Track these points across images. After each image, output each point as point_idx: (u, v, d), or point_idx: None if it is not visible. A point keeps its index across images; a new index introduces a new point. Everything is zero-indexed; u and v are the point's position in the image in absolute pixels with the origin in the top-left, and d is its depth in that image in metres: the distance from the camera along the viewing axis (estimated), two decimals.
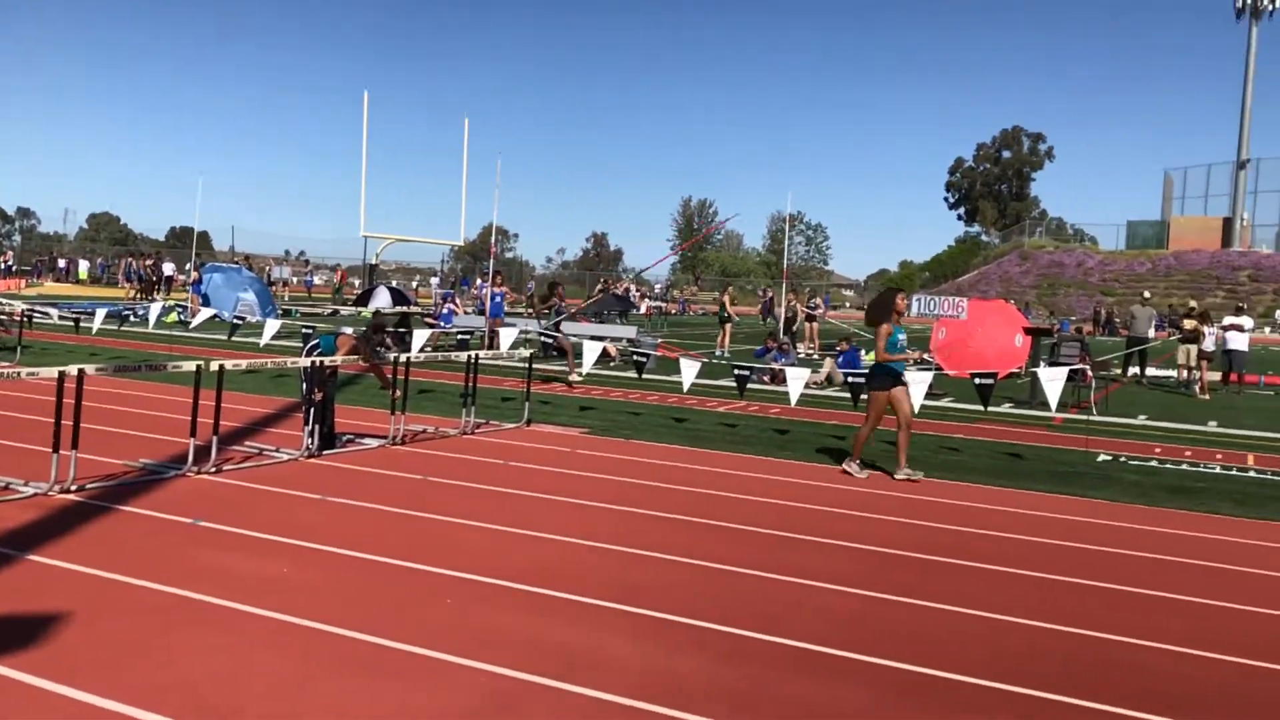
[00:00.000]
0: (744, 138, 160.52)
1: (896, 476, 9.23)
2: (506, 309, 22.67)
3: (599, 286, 41.65)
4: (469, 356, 11.09)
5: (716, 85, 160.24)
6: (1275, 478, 10.29)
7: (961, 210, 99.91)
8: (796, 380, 11.97)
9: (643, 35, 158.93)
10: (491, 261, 22.23)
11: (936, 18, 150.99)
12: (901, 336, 9.48)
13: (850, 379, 12.53)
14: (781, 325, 25.57)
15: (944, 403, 15.67)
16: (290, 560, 5.82)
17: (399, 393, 9.76)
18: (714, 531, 7.01)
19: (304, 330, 14.22)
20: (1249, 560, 6.88)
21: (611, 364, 19.89)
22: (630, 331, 23.05)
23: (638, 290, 45.16)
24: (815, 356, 24.21)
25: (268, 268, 52.42)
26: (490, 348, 18.21)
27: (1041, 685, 4.43)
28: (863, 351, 22.25)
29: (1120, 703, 4.27)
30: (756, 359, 19.80)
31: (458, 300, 33.05)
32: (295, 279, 58.14)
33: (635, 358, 13.86)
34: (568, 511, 7.40)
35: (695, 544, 6.60)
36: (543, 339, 17.85)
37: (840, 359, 18.93)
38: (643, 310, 40.81)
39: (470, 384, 10.84)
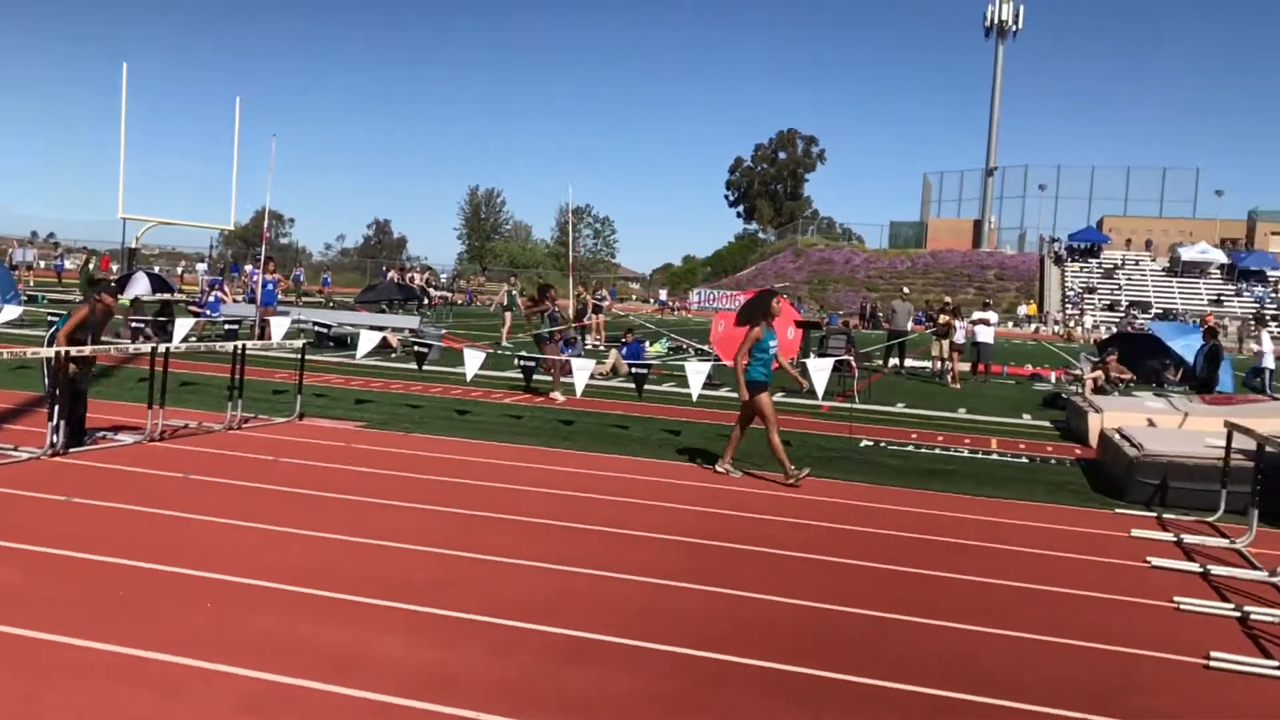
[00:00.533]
0: (532, 131, 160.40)
1: (717, 469, 9.33)
2: (281, 296, 21.68)
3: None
4: (235, 347, 10.50)
5: (505, 77, 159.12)
6: (1014, 459, 11.24)
7: (741, 208, 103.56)
8: (582, 371, 12.04)
9: (426, 21, 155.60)
10: (264, 247, 21.18)
11: (721, 19, 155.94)
12: (772, 342, 9.39)
13: (634, 369, 12.74)
14: (570, 317, 25.66)
15: (721, 392, 16.19)
16: (24, 568, 5.31)
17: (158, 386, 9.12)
18: (493, 524, 6.94)
19: (49, 318, 13.06)
20: (989, 536, 7.47)
21: (393, 355, 19.39)
22: (413, 321, 22.53)
23: (424, 279, 44.11)
24: (601, 348, 24.47)
25: (10, 250, 47.86)
26: (260, 338, 17.34)
27: (807, 661, 4.63)
28: (648, 344, 22.69)
29: (870, 674, 4.53)
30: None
31: (226, 288, 31.30)
32: (42, 263, 53.35)
33: (416, 349, 13.53)
34: (339, 508, 7.13)
35: (473, 537, 6.52)
36: (316, 328, 17.10)
37: (625, 350, 19.22)
38: (428, 300, 39.98)
39: (237, 376, 10.27)
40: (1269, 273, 61.17)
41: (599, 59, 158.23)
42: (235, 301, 26.18)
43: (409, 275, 43.89)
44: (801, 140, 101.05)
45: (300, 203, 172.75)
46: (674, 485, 8.67)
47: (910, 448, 11.65)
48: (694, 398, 12.03)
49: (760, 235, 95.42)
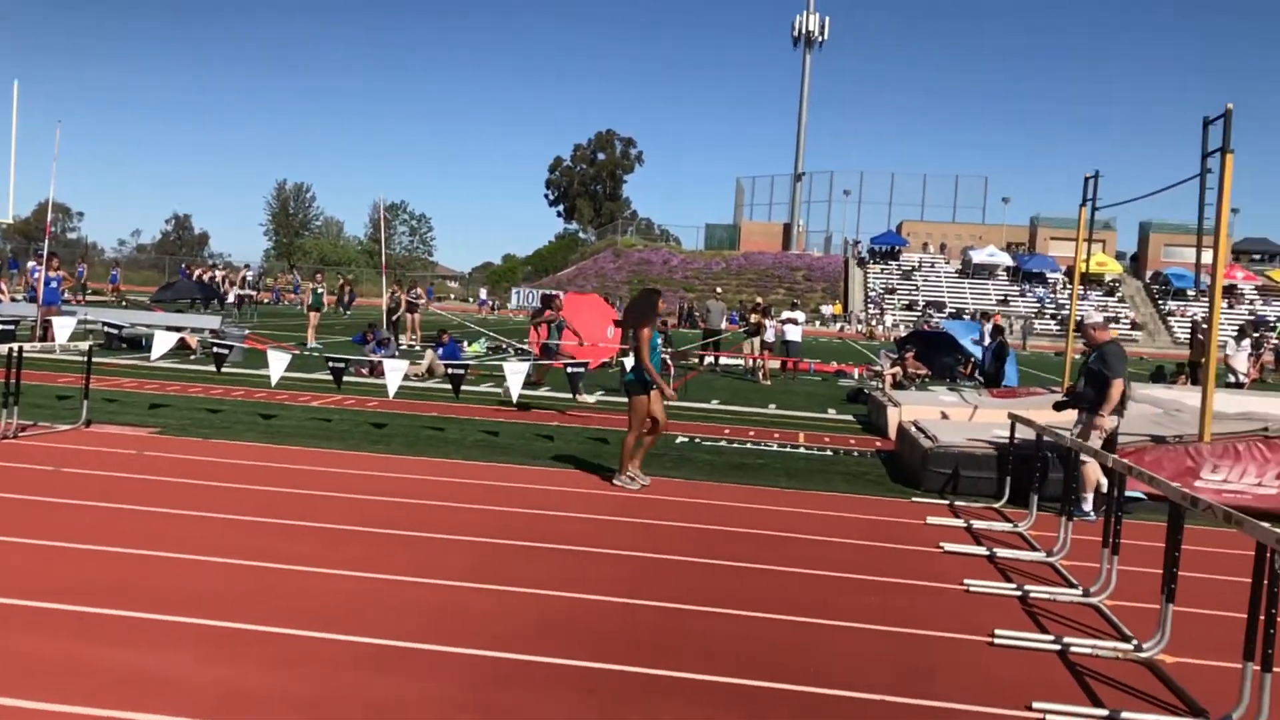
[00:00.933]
0: (343, 125, 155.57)
1: (615, 481, 8.94)
2: (66, 296, 20.19)
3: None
4: (9, 350, 9.67)
5: (311, 68, 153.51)
6: (820, 453, 11.70)
7: (561, 207, 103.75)
8: (395, 372, 11.74)
9: (228, 7, 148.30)
10: (47, 242, 19.64)
11: (539, 18, 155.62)
12: (659, 340, 9.21)
13: (451, 370, 12.52)
14: (384, 316, 24.98)
15: (541, 392, 16.16)
16: None
17: None
18: (294, 531, 6.66)
19: None
20: (793, 527, 7.73)
21: (192, 357, 18.36)
22: (213, 322, 21.41)
23: (224, 276, 41.96)
24: (417, 348, 23.96)
25: None
26: (42, 339, 16.09)
27: (605, 656, 4.66)
28: (465, 344, 22.37)
29: (668, 665, 4.60)
30: (355, 344, 19.21)
31: (4, 285, 28.88)
32: None
33: (215, 350, 12.85)
34: (126, 519, 6.68)
35: (271, 546, 6.23)
36: (106, 329, 15.99)
37: (441, 351, 18.87)
38: (231, 299, 38.09)
39: (12, 380, 9.47)
40: (1049, 275, 66.23)
41: (414, 53, 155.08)
42: (14, 300, 24.18)
43: (211, 273, 41.74)
44: (620, 141, 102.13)
45: (91, 196, 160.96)
46: (486, 486, 8.56)
47: (723, 443, 11.94)
48: (513, 399, 11.94)
49: (581, 235, 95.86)
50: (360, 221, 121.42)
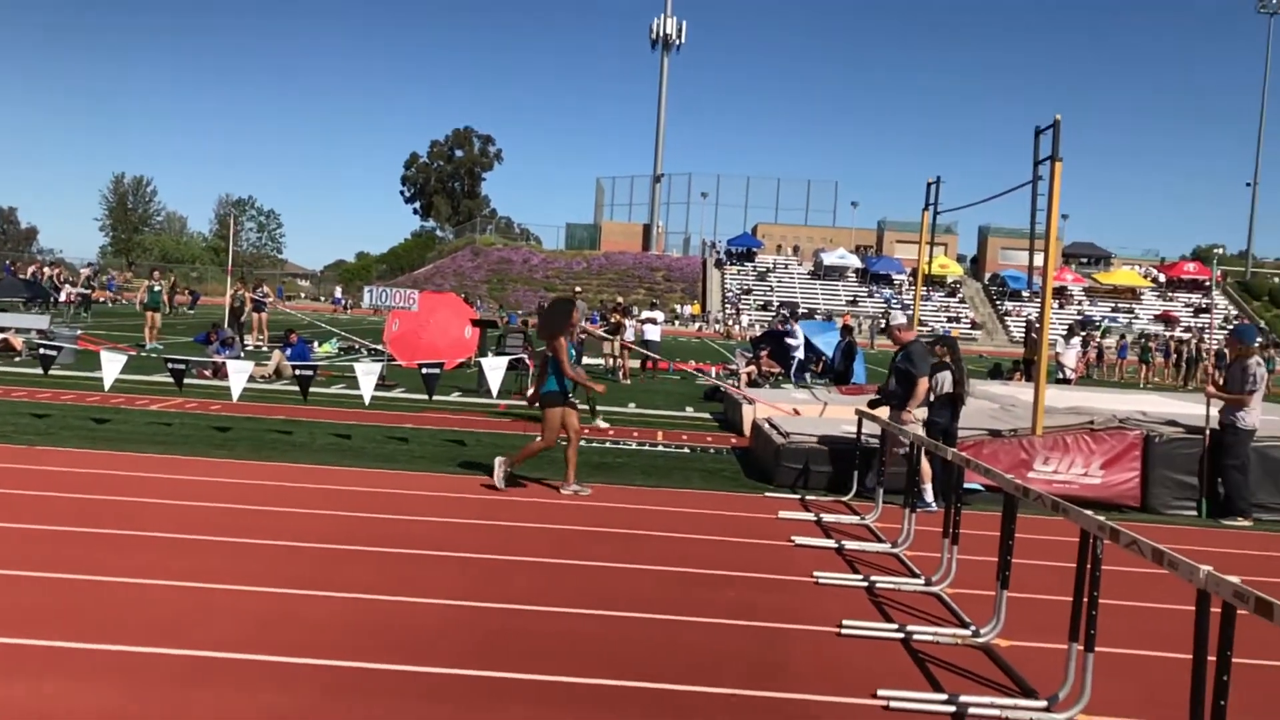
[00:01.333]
0: (188, 121, 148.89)
1: (564, 491, 8.72)
2: None
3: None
4: None
5: (158, 61, 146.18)
6: (678, 450, 11.82)
7: (418, 205, 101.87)
8: (239, 374, 11.26)
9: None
10: None
11: (392, 14, 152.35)
12: (573, 350, 9.13)
13: (299, 371, 12.09)
14: (227, 315, 24.00)
15: (395, 393, 15.79)
16: None
17: None
18: (117, 542, 6.28)
19: None
20: (649, 524, 7.77)
21: (16, 359, 17.19)
22: (41, 321, 20.13)
23: (57, 274, 39.45)
24: (265, 349, 23.08)
25: None
26: None
27: (464, 662, 4.56)
28: (316, 344, 21.68)
29: (533, 669, 4.54)
30: (198, 344, 18.36)
31: None
32: None
33: (42, 352, 12.04)
34: None
35: (97, 559, 5.87)
36: None
37: (290, 351, 18.23)
38: (64, 297, 35.88)
39: None
40: (895, 276, 68.83)
41: (262, 43, 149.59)
42: None
43: (41, 270, 39.23)
44: (479, 139, 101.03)
45: None
46: (333, 491, 8.27)
47: (583, 442, 11.88)
48: (365, 400, 11.62)
49: (438, 233, 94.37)
50: (205, 218, 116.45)
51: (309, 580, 5.71)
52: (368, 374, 11.43)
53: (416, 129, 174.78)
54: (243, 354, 18.77)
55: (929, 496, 8.97)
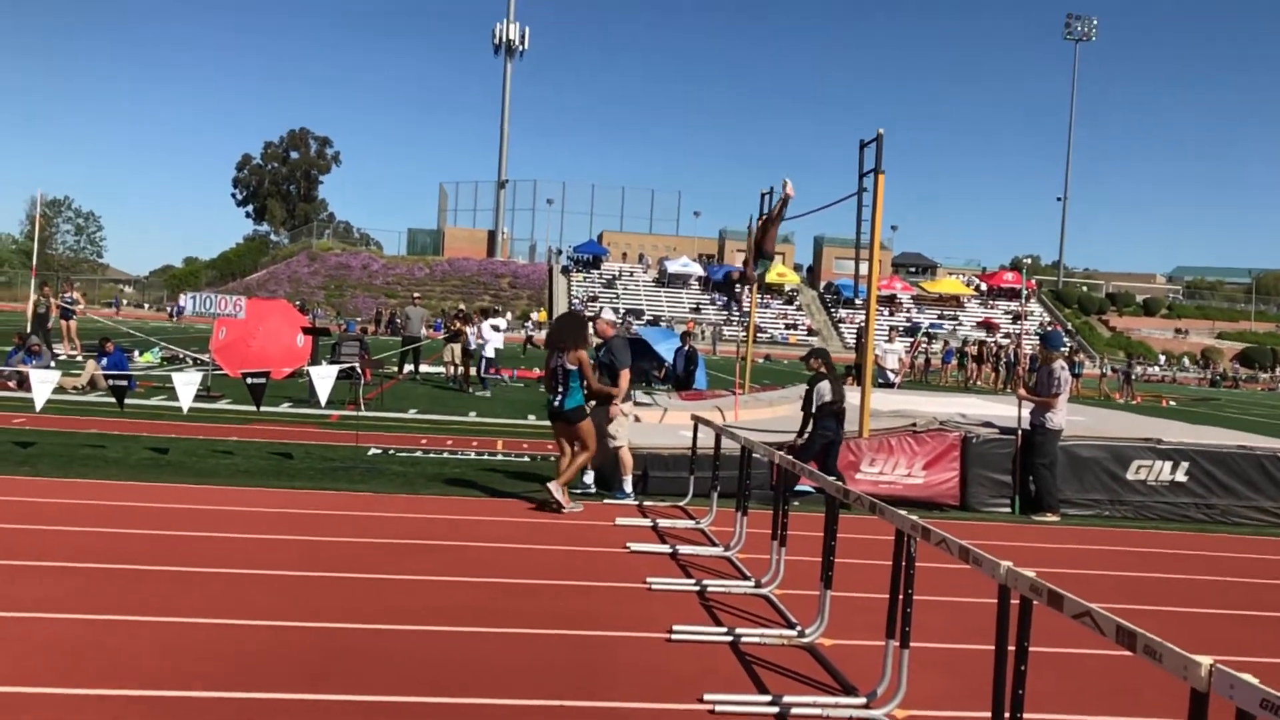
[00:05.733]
0: None
1: (550, 486, 8.71)
2: None
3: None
4: None
5: None
6: (518, 458, 11.70)
7: (251, 208, 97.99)
8: (44, 384, 10.49)
9: None
10: None
11: (224, 10, 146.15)
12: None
13: (114, 382, 11.38)
14: (31, 323, 22.39)
15: (221, 405, 15.10)
16: None
17: None
18: None
19: None
20: (479, 536, 7.64)
21: None
22: None
23: None
24: (78, 358, 21.66)
25: None
26: None
27: (282, 685, 4.36)
28: (136, 353, 20.48)
29: (349, 689, 4.37)
30: (9, 362, 17.04)
31: None
32: None
33: None
34: None
35: None
36: None
37: (105, 361, 17.15)
38: None
39: None
40: (736, 285, 70.43)
41: (82, 39, 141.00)
42: None
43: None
44: (315, 140, 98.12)
45: None
46: (145, 509, 7.79)
47: (419, 453, 11.64)
48: (184, 410, 11.02)
49: (273, 237, 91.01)
50: (16, 219, 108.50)
51: (120, 605, 5.34)
52: (187, 384, 10.85)
53: (249, 129, 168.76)
54: (52, 364, 17.55)
55: (628, 487, 9.40)
